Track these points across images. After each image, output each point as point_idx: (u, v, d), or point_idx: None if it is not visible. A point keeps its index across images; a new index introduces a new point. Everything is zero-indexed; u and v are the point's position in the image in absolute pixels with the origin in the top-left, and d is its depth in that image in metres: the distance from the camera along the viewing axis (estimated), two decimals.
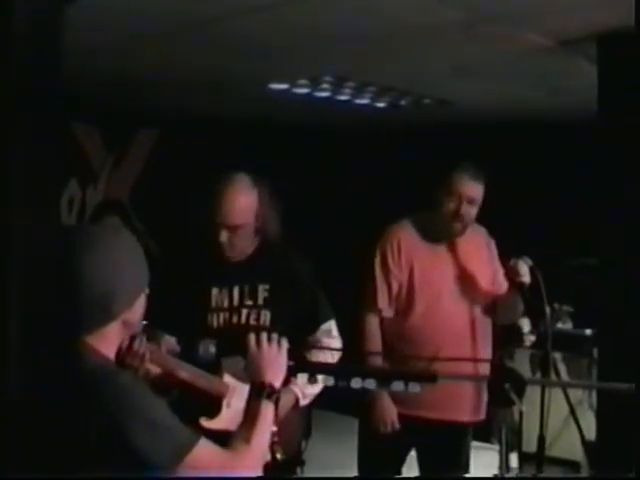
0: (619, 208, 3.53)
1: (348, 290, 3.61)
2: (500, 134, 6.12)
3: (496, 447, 5.18)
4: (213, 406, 2.77)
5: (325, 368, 2.14)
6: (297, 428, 3.06)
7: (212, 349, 2.18)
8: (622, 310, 3.48)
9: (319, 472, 3.61)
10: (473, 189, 3.44)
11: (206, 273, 3.00)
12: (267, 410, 2.04)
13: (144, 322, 1.98)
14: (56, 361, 1.83)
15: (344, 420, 5.57)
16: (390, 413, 3.45)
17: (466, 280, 3.53)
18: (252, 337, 2.12)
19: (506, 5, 3.30)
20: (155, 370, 2.63)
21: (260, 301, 3.01)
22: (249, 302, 3.01)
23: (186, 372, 2.61)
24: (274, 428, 2.79)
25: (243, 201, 2.91)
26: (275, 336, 2.13)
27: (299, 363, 2.11)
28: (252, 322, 2.98)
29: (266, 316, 3.00)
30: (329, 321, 3.13)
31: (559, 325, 5.67)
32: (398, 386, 1.94)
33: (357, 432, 3.74)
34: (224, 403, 2.79)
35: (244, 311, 3.00)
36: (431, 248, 3.54)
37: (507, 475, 3.45)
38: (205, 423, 2.74)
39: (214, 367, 2.74)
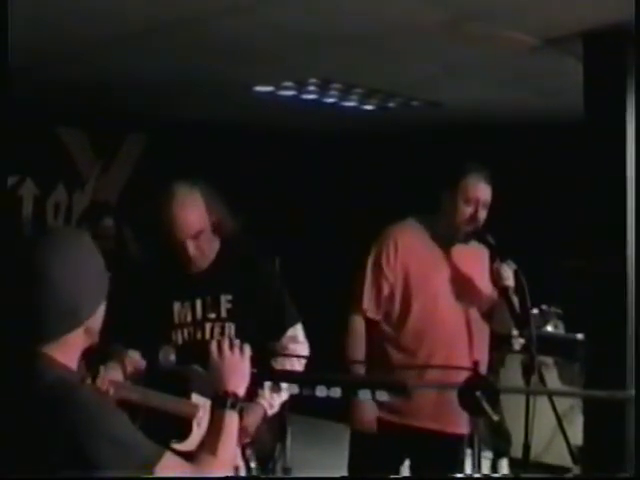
0: (605, 208, 3.48)
1: (335, 293, 3.55)
2: (489, 134, 6.07)
3: (488, 454, 5.15)
4: (184, 428, 2.70)
5: (290, 376, 2.06)
6: (269, 435, 2.99)
7: (172, 357, 2.12)
8: (611, 314, 3.43)
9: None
10: (487, 193, 3.39)
11: (167, 288, 2.92)
12: (231, 419, 1.97)
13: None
14: (14, 373, 1.76)
15: (333, 427, 5.53)
16: (369, 414, 3.37)
17: (464, 285, 3.46)
18: (214, 344, 2.06)
19: (491, 4, 3.25)
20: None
21: (223, 313, 2.92)
22: (212, 315, 2.92)
23: (152, 399, 2.55)
24: (247, 440, 2.74)
25: (191, 206, 2.83)
26: (237, 343, 2.06)
27: (263, 371, 2.03)
28: (217, 336, 2.88)
29: (230, 329, 2.90)
30: (295, 325, 3.05)
31: (549, 329, 5.60)
32: (365, 395, 1.87)
33: (345, 439, 3.65)
34: (194, 423, 2.72)
35: (207, 325, 2.91)
36: (432, 251, 3.47)
37: None
38: (177, 446, 2.65)
39: (182, 387, 2.68)
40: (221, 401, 1.98)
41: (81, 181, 6.55)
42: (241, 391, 2.02)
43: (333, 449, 4.47)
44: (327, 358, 2.72)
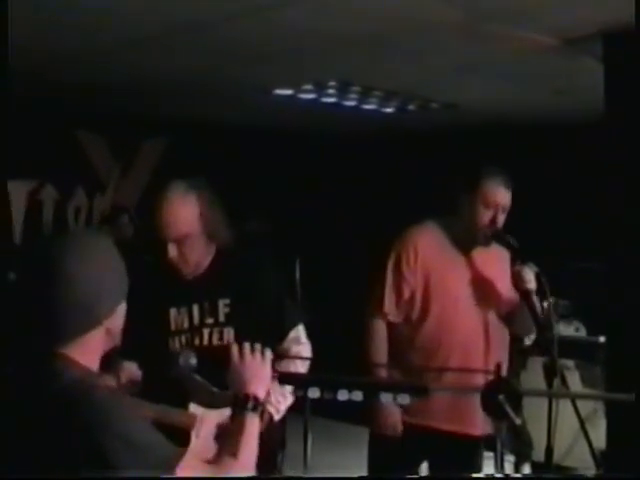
0: (626, 209, 3.45)
1: (356, 296, 3.54)
2: (509, 135, 6.04)
3: (510, 458, 5.12)
4: (182, 439, 2.66)
5: (311, 379, 2.05)
6: (272, 443, 2.93)
7: (193, 360, 2.11)
8: (633, 316, 3.39)
9: None
10: (507, 198, 3.37)
11: (162, 294, 2.85)
12: (252, 422, 1.97)
13: None
14: (33, 374, 1.77)
15: (353, 429, 5.51)
16: (392, 416, 3.36)
17: (484, 288, 3.44)
18: (235, 348, 2.06)
19: (510, 4, 3.23)
20: None
21: (222, 318, 2.85)
22: (210, 320, 2.85)
23: (149, 411, 2.52)
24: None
25: (180, 209, 2.75)
26: (259, 346, 2.06)
27: (283, 374, 2.03)
28: (215, 342, 2.82)
29: (229, 334, 2.82)
30: (297, 327, 2.96)
31: (571, 331, 5.57)
32: (386, 398, 1.85)
33: (367, 441, 3.64)
34: (193, 434, 2.68)
35: (205, 331, 2.85)
36: (451, 254, 3.45)
37: None
38: None
39: (179, 397, 2.64)
40: (242, 404, 1.98)
41: (101, 185, 6.59)
42: (262, 394, 2.02)
43: (353, 451, 4.46)
44: (347, 360, 2.72)
